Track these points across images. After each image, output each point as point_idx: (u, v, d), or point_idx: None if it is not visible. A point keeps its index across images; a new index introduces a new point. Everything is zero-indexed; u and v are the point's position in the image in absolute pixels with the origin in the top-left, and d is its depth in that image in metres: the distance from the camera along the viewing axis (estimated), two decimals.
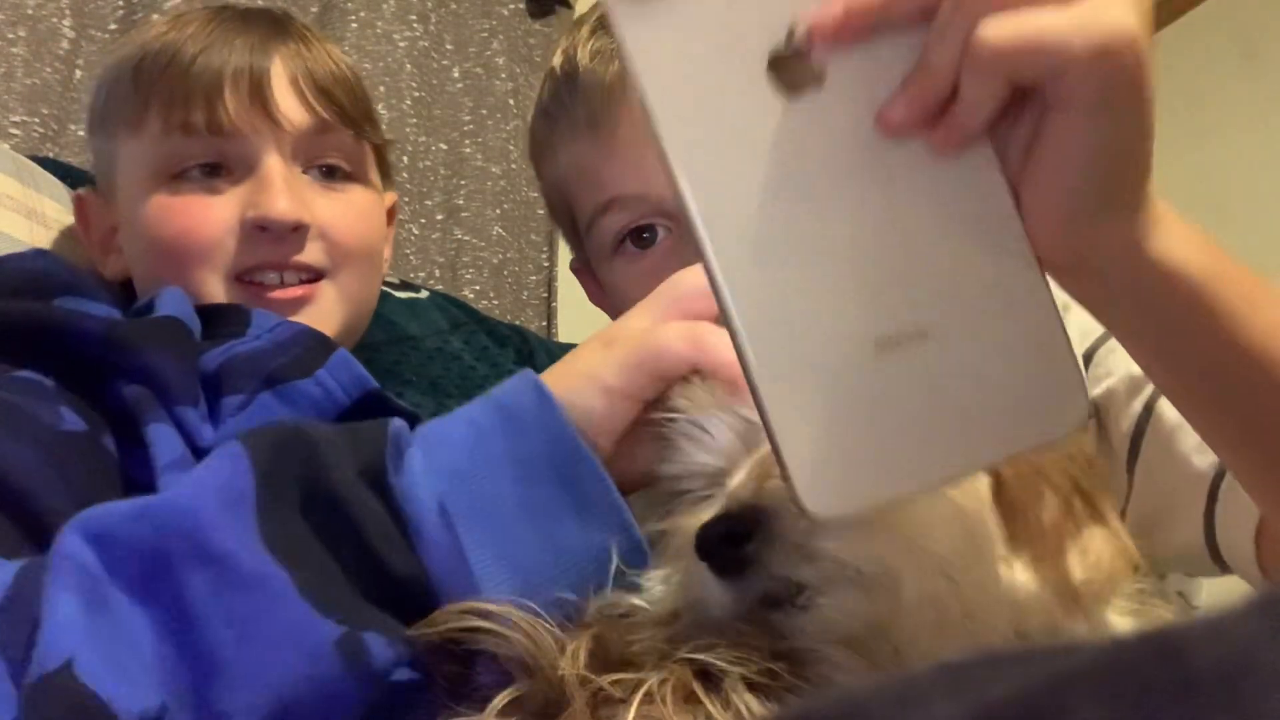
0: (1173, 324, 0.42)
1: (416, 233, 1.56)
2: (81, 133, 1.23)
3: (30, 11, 1.22)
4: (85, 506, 0.52)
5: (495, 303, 1.63)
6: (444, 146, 1.65)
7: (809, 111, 0.36)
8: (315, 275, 0.78)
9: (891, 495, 0.37)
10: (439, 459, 0.49)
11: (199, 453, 0.61)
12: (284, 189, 0.75)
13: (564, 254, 1.81)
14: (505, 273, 1.67)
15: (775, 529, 0.41)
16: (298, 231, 0.76)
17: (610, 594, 0.47)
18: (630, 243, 0.74)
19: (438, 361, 1.10)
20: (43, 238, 0.86)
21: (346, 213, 0.80)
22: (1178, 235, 0.41)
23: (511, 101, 1.77)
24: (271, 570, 0.44)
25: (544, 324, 1.71)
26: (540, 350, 1.27)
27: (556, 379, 0.53)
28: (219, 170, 0.76)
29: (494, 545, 0.47)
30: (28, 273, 0.67)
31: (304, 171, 0.79)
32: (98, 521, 0.45)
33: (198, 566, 0.43)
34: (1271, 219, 2.09)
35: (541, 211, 1.76)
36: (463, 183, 1.66)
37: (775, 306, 0.36)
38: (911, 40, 0.36)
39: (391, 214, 0.93)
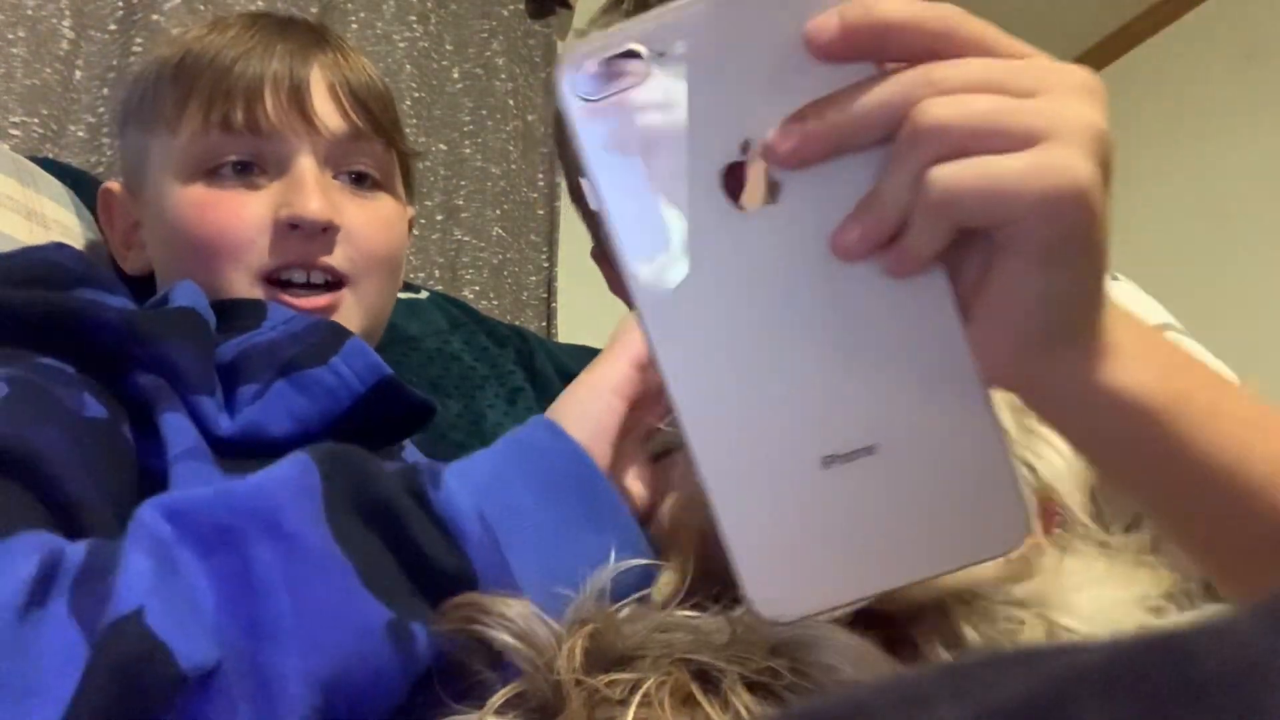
0: (1127, 447, 0.41)
1: (416, 233, 1.56)
2: (81, 133, 1.23)
3: (30, 12, 1.22)
4: (109, 494, 0.54)
5: (495, 303, 1.63)
6: (444, 147, 1.65)
7: (762, 225, 0.36)
8: (338, 280, 0.79)
9: (833, 603, 0.38)
10: (469, 480, 0.52)
11: (216, 442, 0.61)
12: (317, 189, 0.76)
13: (564, 255, 1.82)
14: (505, 273, 1.67)
15: None
16: (327, 232, 0.77)
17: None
18: None
19: (437, 362, 1.10)
20: (42, 238, 0.86)
21: (373, 220, 0.81)
22: (1131, 362, 0.40)
23: (511, 102, 1.77)
24: (336, 553, 0.46)
25: (543, 324, 1.71)
26: (540, 351, 1.27)
27: (558, 402, 0.57)
28: (253, 169, 0.77)
29: (527, 550, 0.50)
30: (47, 263, 0.67)
31: (334, 177, 0.80)
32: (175, 500, 0.47)
33: (268, 541, 0.45)
34: (1271, 220, 2.09)
35: (541, 212, 1.77)
36: (462, 183, 1.66)
37: (725, 416, 0.36)
38: (870, 160, 0.36)
39: (409, 227, 0.95)
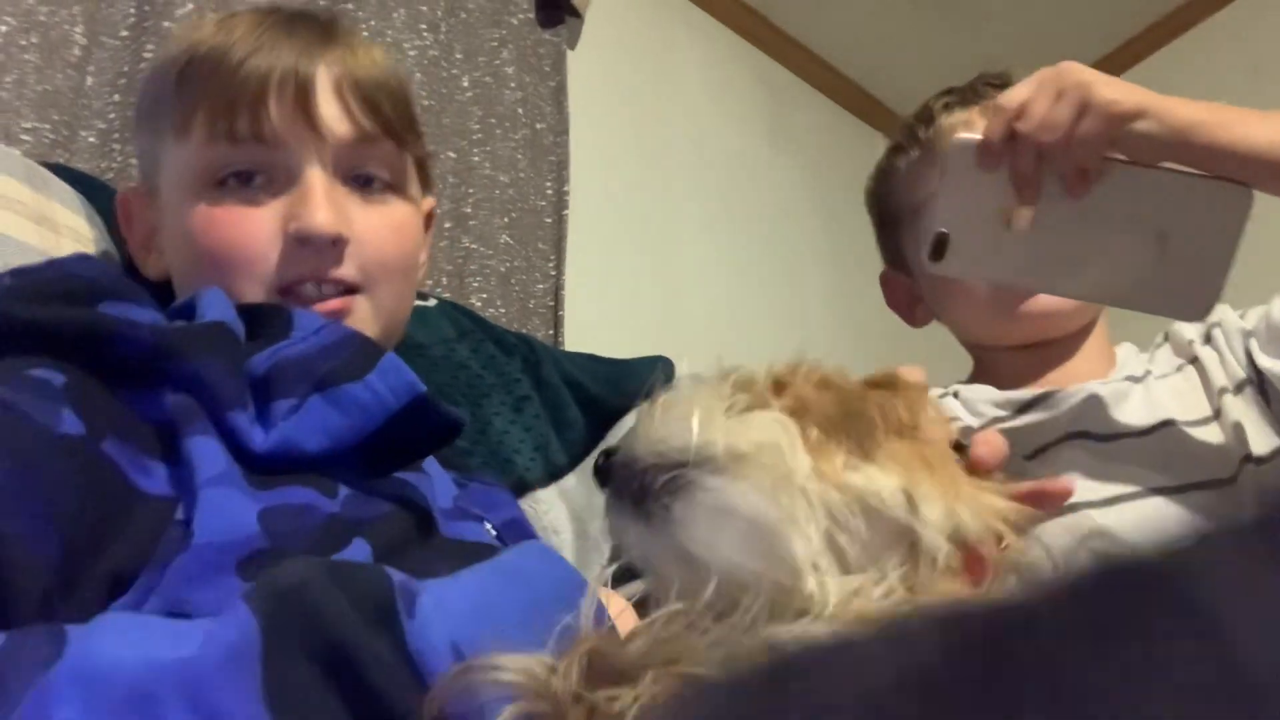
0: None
1: None
2: (92, 139, 1.23)
3: (42, 18, 1.23)
4: (56, 517, 0.51)
5: (502, 311, 1.63)
6: (453, 155, 1.65)
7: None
8: (349, 289, 0.78)
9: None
10: (448, 604, 0.49)
11: (250, 458, 0.60)
12: (324, 201, 0.75)
13: (571, 263, 1.82)
14: (512, 281, 1.67)
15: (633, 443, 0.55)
16: (336, 245, 0.76)
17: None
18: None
19: (444, 369, 1.10)
20: (53, 243, 0.86)
21: (383, 226, 0.80)
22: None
23: (520, 110, 1.77)
24: None
25: (550, 333, 1.71)
26: (547, 359, 1.27)
27: None
28: (260, 179, 0.76)
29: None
30: (73, 278, 0.66)
31: (344, 182, 0.79)
32: (91, 660, 0.42)
33: (187, 714, 0.41)
34: (1278, 234, 2.08)
35: (549, 220, 1.77)
36: (470, 191, 1.66)
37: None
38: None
39: (430, 219, 0.93)
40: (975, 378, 1.15)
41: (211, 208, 0.76)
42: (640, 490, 0.53)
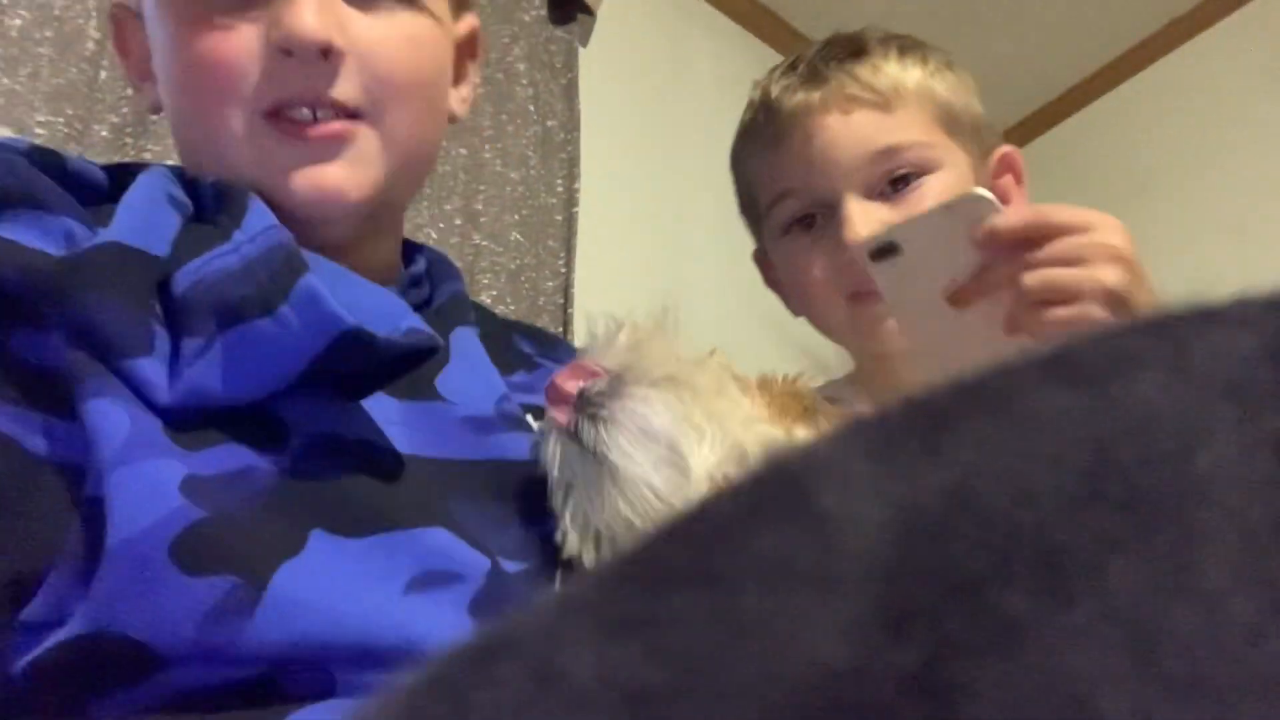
0: None
1: (435, 237, 1.57)
2: (105, 133, 1.24)
3: (57, 13, 1.23)
4: None
5: (512, 308, 1.63)
6: (463, 151, 1.65)
7: (951, 311, 0.74)
8: (352, 114, 0.66)
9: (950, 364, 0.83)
10: None
11: (156, 410, 0.50)
12: (311, 3, 0.63)
13: (581, 260, 1.82)
14: (522, 278, 1.67)
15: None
16: (329, 58, 0.64)
17: None
18: (797, 226, 0.98)
19: None
20: None
21: (390, 38, 0.67)
22: None
23: (532, 107, 1.77)
24: None
25: (560, 330, 1.71)
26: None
27: None
28: None
29: None
30: None
31: None
32: None
33: None
34: None
35: (559, 217, 1.77)
36: (481, 188, 1.67)
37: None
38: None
39: (473, 43, 0.80)
40: (857, 380, 1.06)
41: (191, 26, 0.64)
42: (579, 395, 0.59)
